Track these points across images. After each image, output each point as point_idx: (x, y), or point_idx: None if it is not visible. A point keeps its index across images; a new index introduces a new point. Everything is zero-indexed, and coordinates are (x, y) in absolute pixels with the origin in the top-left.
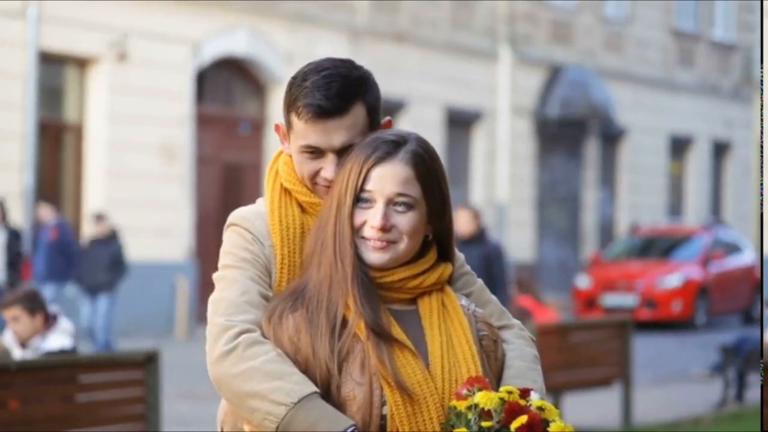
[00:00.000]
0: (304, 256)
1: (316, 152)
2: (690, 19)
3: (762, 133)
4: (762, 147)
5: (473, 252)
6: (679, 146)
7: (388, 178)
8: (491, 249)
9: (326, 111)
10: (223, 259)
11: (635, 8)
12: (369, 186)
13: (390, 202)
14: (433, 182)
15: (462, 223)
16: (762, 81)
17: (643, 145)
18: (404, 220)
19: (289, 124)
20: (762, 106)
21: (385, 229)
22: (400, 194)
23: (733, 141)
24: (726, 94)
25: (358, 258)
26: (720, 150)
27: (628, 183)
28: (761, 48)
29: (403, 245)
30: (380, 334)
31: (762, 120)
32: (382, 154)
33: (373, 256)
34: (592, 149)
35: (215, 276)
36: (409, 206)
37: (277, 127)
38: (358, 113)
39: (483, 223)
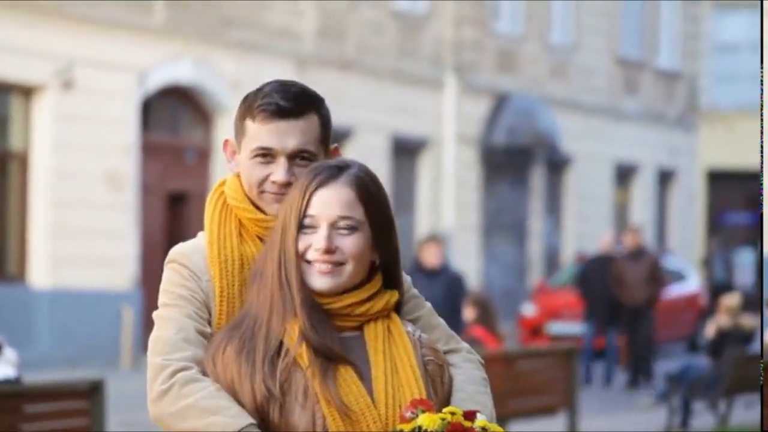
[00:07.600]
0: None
1: (267, 156)
2: (635, 47)
3: (761, 133)
4: (761, 147)
5: (438, 283)
6: (624, 174)
7: (330, 202)
8: (454, 278)
9: (283, 110)
10: (161, 297)
11: (581, 36)
12: (312, 211)
13: (333, 225)
14: (376, 205)
15: (432, 254)
16: (762, 81)
17: (589, 174)
18: (348, 242)
19: (242, 133)
20: (762, 105)
21: (330, 251)
22: (343, 217)
23: (678, 169)
24: (671, 122)
25: (304, 284)
26: (665, 178)
27: (574, 211)
28: (761, 48)
29: (349, 268)
30: (330, 359)
31: (761, 120)
32: (324, 178)
33: (319, 280)
34: (537, 177)
35: (154, 315)
36: (353, 228)
37: (225, 144)
38: (312, 121)
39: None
